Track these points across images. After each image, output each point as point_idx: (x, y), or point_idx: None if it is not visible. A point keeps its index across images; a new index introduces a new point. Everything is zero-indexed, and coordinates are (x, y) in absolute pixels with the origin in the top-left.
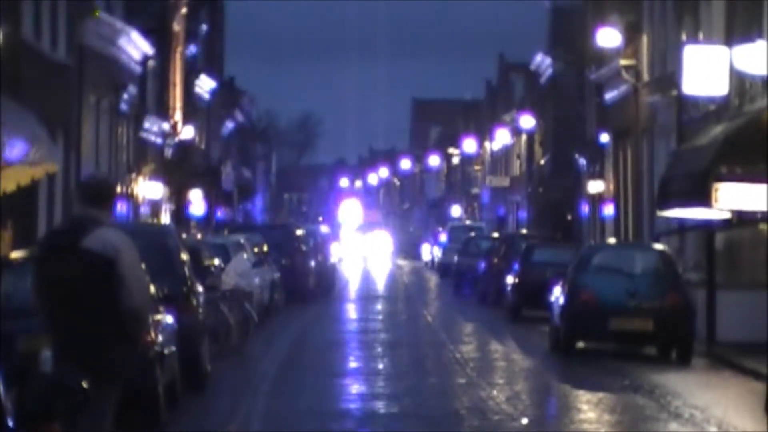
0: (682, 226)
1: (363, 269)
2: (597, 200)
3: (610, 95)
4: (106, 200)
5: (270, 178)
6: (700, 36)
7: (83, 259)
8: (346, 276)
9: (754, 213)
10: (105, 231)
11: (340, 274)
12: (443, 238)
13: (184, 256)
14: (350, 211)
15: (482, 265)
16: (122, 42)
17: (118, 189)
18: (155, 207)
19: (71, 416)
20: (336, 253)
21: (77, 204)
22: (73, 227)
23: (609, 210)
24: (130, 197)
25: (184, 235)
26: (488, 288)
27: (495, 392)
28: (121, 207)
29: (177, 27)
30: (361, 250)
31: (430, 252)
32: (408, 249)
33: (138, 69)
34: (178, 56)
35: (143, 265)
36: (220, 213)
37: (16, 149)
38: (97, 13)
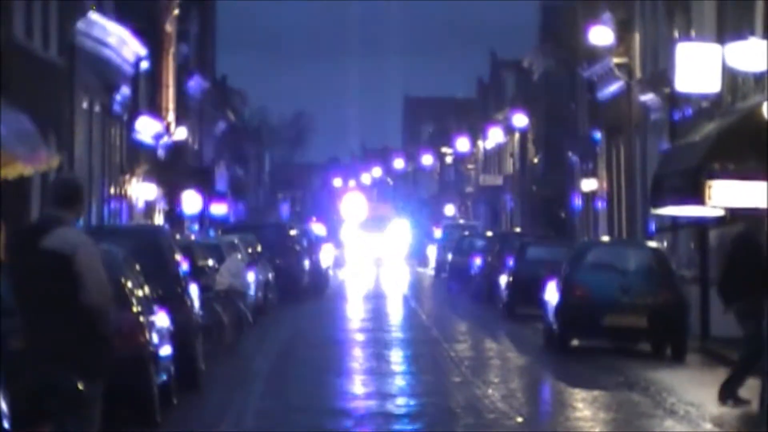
0: (676, 223)
1: (360, 274)
2: (590, 198)
3: (602, 93)
4: (74, 201)
5: (263, 177)
6: (692, 33)
7: (43, 258)
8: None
9: (747, 210)
10: (65, 230)
11: (334, 277)
12: (437, 233)
13: (178, 257)
14: (354, 205)
15: (476, 263)
16: (114, 43)
17: (112, 190)
18: (149, 208)
19: (64, 417)
20: (329, 255)
21: (46, 205)
22: (36, 227)
23: (602, 207)
24: (123, 198)
25: (177, 236)
26: (482, 286)
27: (490, 390)
28: (115, 207)
29: (169, 27)
30: (367, 252)
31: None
32: (410, 251)
33: (130, 70)
34: (170, 57)
35: (137, 268)
36: (226, 209)
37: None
38: (93, 7)
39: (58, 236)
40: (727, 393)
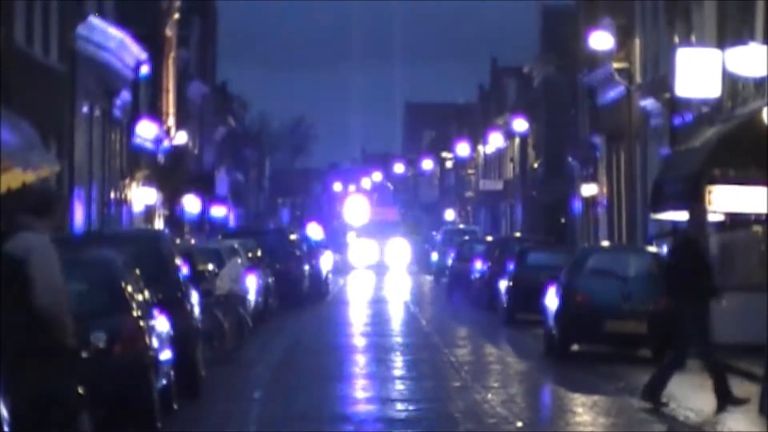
0: (676, 228)
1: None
2: (590, 203)
3: (602, 98)
4: (46, 212)
5: (263, 183)
6: (693, 38)
7: (2, 263)
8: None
9: (747, 215)
10: (26, 235)
11: (335, 283)
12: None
13: (178, 262)
14: (356, 209)
15: (476, 268)
16: (115, 48)
17: (112, 195)
18: (149, 212)
19: (67, 425)
20: (329, 260)
21: (19, 212)
22: (2, 234)
23: (602, 213)
24: (123, 203)
25: (177, 241)
26: (482, 291)
27: (490, 395)
28: (115, 212)
29: (169, 32)
30: (369, 258)
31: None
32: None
33: (131, 75)
34: (170, 62)
35: (137, 272)
36: (227, 214)
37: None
38: (97, 13)
39: (17, 240)
40: (649, 393)
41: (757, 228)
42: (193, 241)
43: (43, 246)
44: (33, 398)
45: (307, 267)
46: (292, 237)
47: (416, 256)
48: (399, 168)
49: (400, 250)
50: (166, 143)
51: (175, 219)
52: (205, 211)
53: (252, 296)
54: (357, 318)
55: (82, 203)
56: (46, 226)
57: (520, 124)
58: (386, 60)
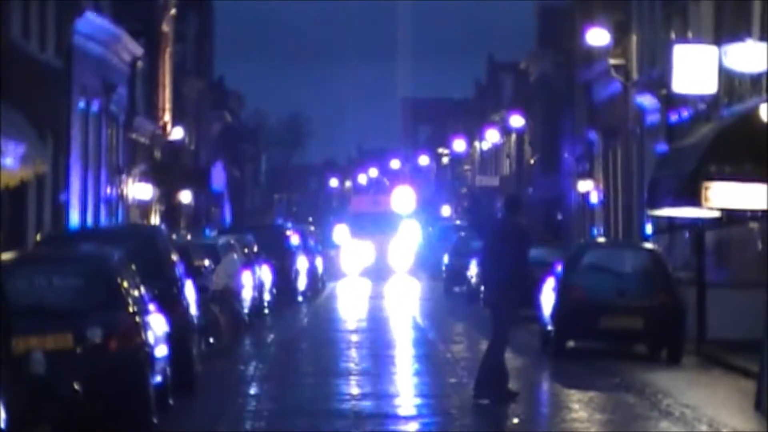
0: (672, 225)
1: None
2: (587, 199)
3: (599, 94)
4: None
5: (260, 178)
6: (689, 35)
7: None
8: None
9: (743, 212)
10: None
11: (330, 280)
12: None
13: (174, 257)
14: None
15: (472, 264)
16: (111, 43)
17: (108, 191)
18: (145, 208)
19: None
20: (324, 258)
21: None
22: None
23: (598, 209)
24: (120, 198)
25: (174, 236)
26: (478, 287)
27: None
28: (112, 207)
29: (166, 28)
30: (366, 258)
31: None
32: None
33: (127, 70)
34: (167, 57)
35: (133, 268)
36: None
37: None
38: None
39: None
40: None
41: (753, 225)
42: (189, 237)
43: None
44: (29, 394)
45: (303, 264)
46: (288, 233)
47: (422, 256)
48: (395, 164)
49: (400, 249)
50: (162, 139)
51: (171, 214)
52: (201, 206)
53: (248, 292)
54: (352, 314)
55: (79, 199)
56: None
57: (517, 120)
58: (383, 56)
